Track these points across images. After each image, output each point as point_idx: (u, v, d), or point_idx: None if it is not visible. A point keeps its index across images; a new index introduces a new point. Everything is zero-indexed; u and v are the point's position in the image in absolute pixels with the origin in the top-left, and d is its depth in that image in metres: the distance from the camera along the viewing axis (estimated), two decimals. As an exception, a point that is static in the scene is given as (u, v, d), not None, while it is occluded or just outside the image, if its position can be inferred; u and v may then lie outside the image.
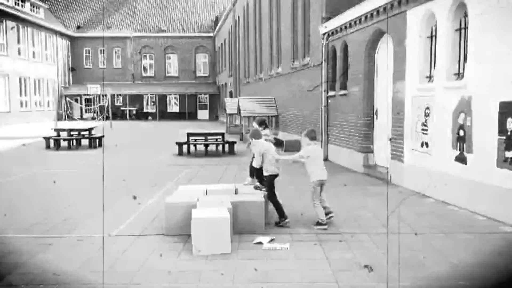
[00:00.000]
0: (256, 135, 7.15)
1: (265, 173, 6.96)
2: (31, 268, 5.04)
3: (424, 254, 5.42)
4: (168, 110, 49.60)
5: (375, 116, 11.46)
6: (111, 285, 4.56)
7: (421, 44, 9.05)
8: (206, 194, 7.09)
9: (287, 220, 6.73)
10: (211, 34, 49.58)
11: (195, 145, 16.68)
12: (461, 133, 7.72)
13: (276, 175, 6.93)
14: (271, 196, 6.85)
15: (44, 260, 5.30)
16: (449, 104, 8.00)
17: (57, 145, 18.21)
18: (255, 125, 8.06)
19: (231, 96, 36.65)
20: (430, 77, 8.92)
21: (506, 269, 5.05)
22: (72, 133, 19.08)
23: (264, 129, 7.82)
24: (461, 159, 7.71)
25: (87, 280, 4.71)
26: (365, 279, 4.70)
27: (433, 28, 8.81)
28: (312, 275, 4.81)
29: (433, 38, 8.83)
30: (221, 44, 44.52)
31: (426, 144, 8.79)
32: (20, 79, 35.11)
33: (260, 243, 5.89)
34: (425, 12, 8.80)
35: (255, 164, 7.09)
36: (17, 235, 6.33)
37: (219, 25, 45.19)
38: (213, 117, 47.76)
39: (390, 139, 9.67)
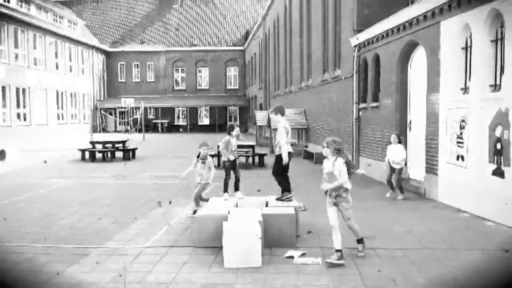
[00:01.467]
0: (281, 111, 7.54)
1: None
2: (67, 279, 5.16)
3: (461, 271, 5.25)
4: (199, 123, 50.20)
5: (408, 129, 11.26)
6: (144, 296, 4.61)
7: (456, 55, 8.87)
8: (237, 206, 7.11)
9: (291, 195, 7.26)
10: (242, 48, 50.11)
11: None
12: (498, 146, 7.49)
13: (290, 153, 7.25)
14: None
15: (78, 271, 5.41)
16: (486, 117, 7.79)
17: (93, 157, 18.69)
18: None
19: (261, 108, 36.80)
20: (465, 89, 8.73)
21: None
22: (106, 145, 19.56)
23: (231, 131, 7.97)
24: (499, 173, 7.47)
25: (120, 290, 4.78)
26: (399, 295, 4.59)
27: (468, 39, 8.64)
28: (344, 290, 4.73)
29: (468, 49, 8.65)
30: (251, 57, 44.90)
31: (462, 157, 8.57)
32: (57, 92, 36.32)
33: (291, 257, 5.85)
34: (459, 23, 8.64)
35: (282, 141, 7.20)
36: (54, 245, 6.50)
37: (249, 38, 45.65)
38: (243, 129, 48.00)
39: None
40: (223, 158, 7.99)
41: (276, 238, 6.35)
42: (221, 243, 5.85)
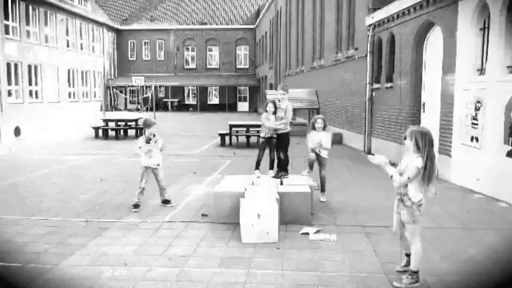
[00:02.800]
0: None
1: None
2: (89, 251, 5.34)
3: (473, 249, 5.35)
4: (209, 102, 50.20)
5: (422, 109, 11.25)
6: (166, 268, 4.78)
7: (473, 36, 8.80)
8: (253, 184, 7.23)
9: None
10: (252, 26, 49.68)
11: (237, 136, 16.89)
12: (514, 127, 7.49)
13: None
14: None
15: (102, 243, 5.59)
16: (502, 98, 7.78)
17: (106, 135, 18.89)
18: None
19: (271, 88, 36.69)
20: (481, 70, 8.68)
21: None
22: (119, 123, 19.73)
23: None
24: (514, 154, 7.49)
25: (141, 263, 4.95)
26: (414, 272, 4.70)
27: (486, 20, 8.55)
28: (360, 266, 4.86)
29: (486, 30, 8.57)
30: (262, 36, 44.55)
31: (476, 138, 8.58)
32: (68, 70, 36.43)
33: (307, 233, 5.98)
34: (477, 3, 8.54)
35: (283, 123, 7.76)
36: (73, 219, 6.69)
37: (260, 17, 45.21)
38: (253, 109, 47.97)
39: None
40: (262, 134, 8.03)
41: (291, 216, 6.48)
42: (238, 219, 6.00)
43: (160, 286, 4.36)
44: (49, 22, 33.51)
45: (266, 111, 7.80)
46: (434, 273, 4.60)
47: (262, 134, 7.95)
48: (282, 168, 7.82)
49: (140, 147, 7.16)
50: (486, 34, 8.58)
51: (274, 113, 7.80)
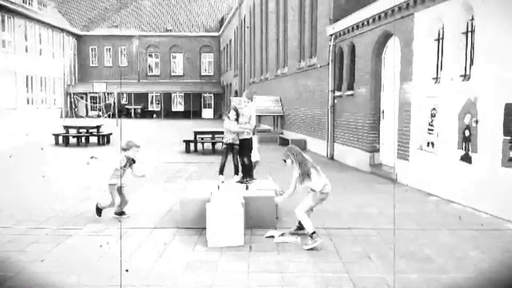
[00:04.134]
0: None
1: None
2: (57, 257, 5.27)
3: (429, 248, 5.63)
4: (173, 109, 49.90)
5: (381, 116, 11.66)
6: (132, 272, 4.79)
7: (429, 46, 9.25)
8: (218, 189, 7.31)
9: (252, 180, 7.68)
10: (217, 34, 49.86)
11: (202, 143, 16.92)
12: (467, 133, 7.92)
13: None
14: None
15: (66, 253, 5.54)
16: (455, 105, 8.21)
17: (66, 142, 18.47)
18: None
19: (236, 95, 36.87)
20: (437, 79, 9.13)
21: (508, 262, 5.27)
22: (81, 130, 19.35)
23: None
24: (466, 158, 7.91)
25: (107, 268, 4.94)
26: (374, 270, 4.92)
27: (441, 31, 9.01)
28: (323, 266, 5.03)
29: (440, 40, 9.03)
30: (227, 44, 44.77)
31: (432, 144, 9.00)
32: (27, 76, 35.43)
33: (272, 236, 6.11)
34: (432, 14, 9.00)
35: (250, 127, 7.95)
36: (37, 226, 6.57)
37: (224, 25, 45.46)
38: (218, 116, 48.01)
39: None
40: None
41: (257, 220, 6.60)
42: (204, 224, 6.06)
43: (126, 290, 4.38)
44: (7, 27, 32.53)
45: (229, 117, 7.92)
46: (390, 271, 4.83)
47: (224, 140, 8.05)
48: (246, 173, 7.94)
49: (116, 169, 6.79)
50: (440, 45, 9.04)
51: (236, 119, 7.92)
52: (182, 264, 5.09)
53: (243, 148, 7.96)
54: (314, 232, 5.66)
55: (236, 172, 8.08)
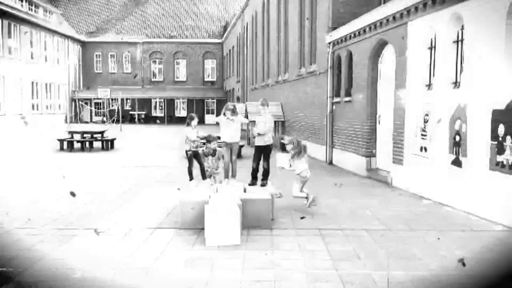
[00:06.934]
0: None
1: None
2: (61, 255, 5.59)
3: (419, 248, 5.91)
4: (176, 115, 50.31)
5: (377, 122, 11.96)
6: (134, 270, 5.10)
7: (422, 54, 9.56)
8: (217, 192, 7.62)
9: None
10: (220, 40, 50.36)
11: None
12: (457, 138, 8.21)
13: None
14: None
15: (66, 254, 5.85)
16: (447, 111, 8.50)
17: (71, 147, 18.84)
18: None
19: (238, 101, 37.24)
20: (429, 86, 9.42)
21: (494, 262, 5.54)
22: (85, 135, 19.73)
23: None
24: (457, 162, 8.19)
25: (112, 265, 5.25)
26: (361, 268, 5.20)
27: (433, 39, 9.32)
28: (314, 264, 5.32)
29: (433, 48, 9.34)
30: (229, 50, 45.22)
31: (425, 148, 9.28)
32: (32, 82, 35.92)
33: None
34: (425, 24, 9.32)
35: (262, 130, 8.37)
36: (42, 227, 6.89)
37: (227, 31, 45.93)
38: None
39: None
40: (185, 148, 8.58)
41: (253, 221, 6.90)
42: (203, 225, 6.37)
43: (129, 284, 4.68)
44: (13, 34, 33.08)
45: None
46: (377, 268, 5.11)
47: (186, 148, 8.52)
48: (265, 177, 8.37)
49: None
50: (433, 53, 9.35)
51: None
52: (181, 261, 5.39)
53: (264, 153, 8.39)
54: (307, 196, 7.70)
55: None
